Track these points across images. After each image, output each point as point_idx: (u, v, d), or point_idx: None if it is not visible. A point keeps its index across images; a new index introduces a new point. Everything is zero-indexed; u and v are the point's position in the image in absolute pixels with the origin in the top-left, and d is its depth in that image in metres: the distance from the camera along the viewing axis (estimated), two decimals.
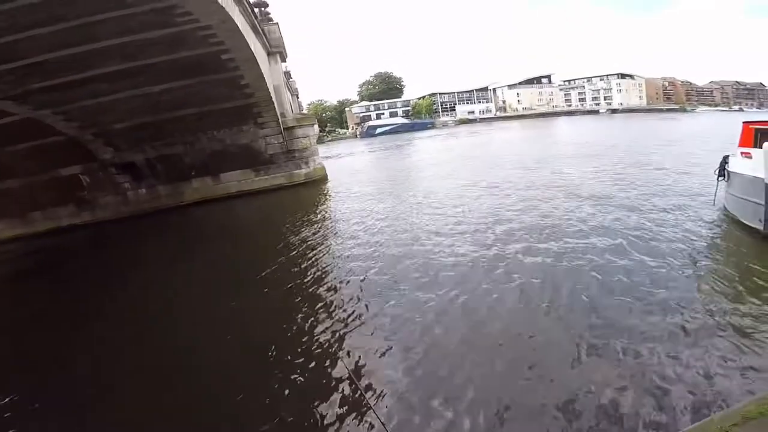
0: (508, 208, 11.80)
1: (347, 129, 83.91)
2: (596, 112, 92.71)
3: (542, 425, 3.77)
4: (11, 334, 7.81)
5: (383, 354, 5.19)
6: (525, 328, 5.42)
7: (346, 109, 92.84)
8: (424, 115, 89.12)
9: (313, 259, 9.42)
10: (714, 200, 9.81)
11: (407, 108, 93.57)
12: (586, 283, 6.51)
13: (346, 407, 4.29)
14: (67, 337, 7.11)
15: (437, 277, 7.39)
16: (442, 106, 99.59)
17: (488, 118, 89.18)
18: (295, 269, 8.93)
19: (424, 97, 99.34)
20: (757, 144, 7.97)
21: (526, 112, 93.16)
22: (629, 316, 5.42)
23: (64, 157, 17.65)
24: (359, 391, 4.33)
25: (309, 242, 10.91)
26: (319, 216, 14.25)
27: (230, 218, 17.20)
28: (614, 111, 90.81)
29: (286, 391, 4.70)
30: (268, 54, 19.85)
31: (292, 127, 20.97)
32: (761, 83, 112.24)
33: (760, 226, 7.56)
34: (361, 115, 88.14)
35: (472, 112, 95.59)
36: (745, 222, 8.25)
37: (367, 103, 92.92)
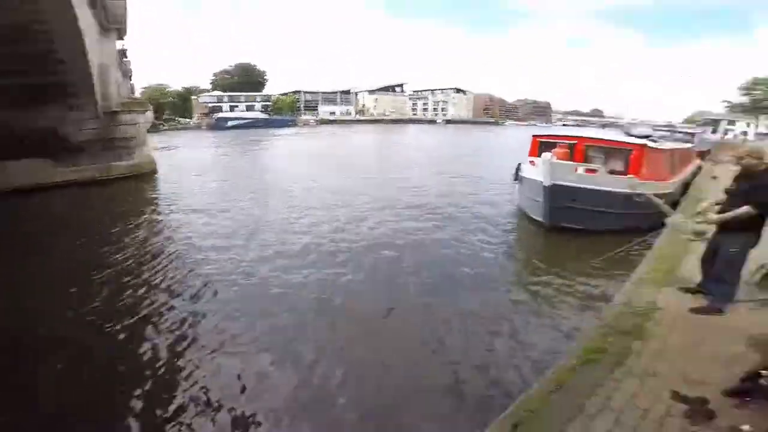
0: (358, 212, 11.95)
1: (191, 119, 75.17)
2: (434, 121, 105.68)
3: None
4: None
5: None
6: (382, 302, 6.27)
7: (193, 97, 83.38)
8: (286, 112, 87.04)
9: (125, 274, 7.46)
10: (513, 199, 12.04)
11: (268, 103, 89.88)
12: (418, 261, 7.91)
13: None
14: None
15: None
16: (305, 104, 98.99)
17: (348, 120, 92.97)
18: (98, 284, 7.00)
19: (287, 94, 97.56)
20: (540, 153, 9.74)
21: (380, 117, 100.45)
22: (450, 288, 6.76)
23: None
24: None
25: (119, 251, 8.68)
26: (137, 217, 11.92)
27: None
28: (449, 122, 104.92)
29: None
30: (103, 29, 17.32)
31: (117, 112, 18.16)
32: (548, 103, 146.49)
33: (543, 220, 9.46)
34: (211, 105, 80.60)
35: (334, 113, 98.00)
36: (533, 217, 10.11)
37: (220, 93, 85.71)
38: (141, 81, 73.25)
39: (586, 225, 8.92)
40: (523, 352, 4.89)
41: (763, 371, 2.76)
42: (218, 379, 4.47)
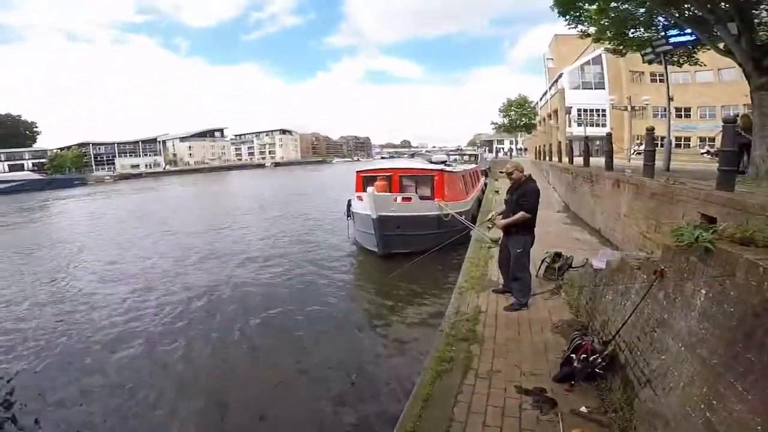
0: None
1: None
2: (263, 165, 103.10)
3: None
4: None
5: None
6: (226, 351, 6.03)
7: None
8: (70, 169, 71.09)
9: None
10: (348, 235, 12.39)
11: (41, 160, 71.60)
12: (258, 302, 7.97)
13: None
14: None
15: None
16: (96, 159, 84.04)
17: (157, 172, 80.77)
18: None
19: (70, 148, 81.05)
20: (365, 188, 10.29)
21: (198, 166, 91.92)
22: (296, 320, 6.96)
23: None
24: None
25: None
26: None
27: None
28: (277, 164, 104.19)
29: None
30: None
31: None
32: (368, 137, 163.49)
33: (375, 249, 10.01)
34: None
35: (137, 165, 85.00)
36: (368, 248, 10.67)
37: None
38: None
39: (413, 248, 9.43)
40: (389, 377, 5.08)
41: (572, 355, 3.36)
42: None
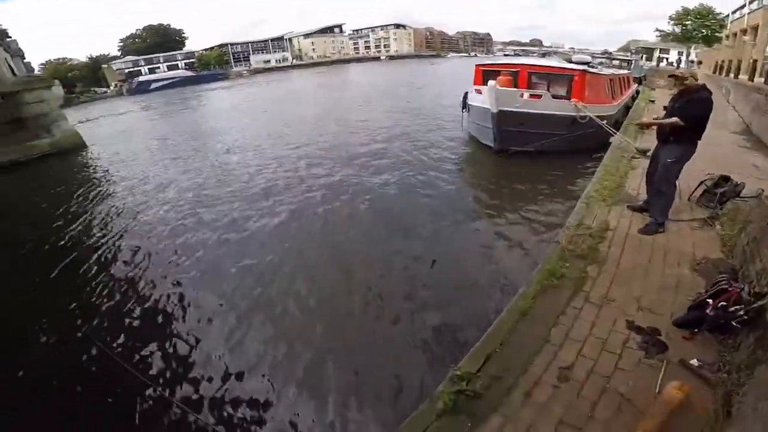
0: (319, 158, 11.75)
1: (108, 88, 68.53)
2: (378, 58, 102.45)
3: None
4: None
5: None
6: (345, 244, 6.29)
7: (104, 66, 75.27)
8: (214, 66, 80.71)
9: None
10: (461, 126, 12.21)
11: (191, 60, 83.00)
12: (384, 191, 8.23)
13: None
14: None
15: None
16: (234, 56, 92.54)
17: (285, 66, 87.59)
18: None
19: (212, 48, 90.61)
20: (485, 82, 9.93)
21: (320, 60, 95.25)
22: (411, 220, 6.75)
23: None
24: None
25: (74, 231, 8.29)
26: (71, 190, 11.33)
27: None
28: (392, 57, 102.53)
29: None
30: None
31: (15, 93, 16.72)
32: (488, 33, 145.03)
33: (492, 144, 9.89)
34: (128, 70, 73.50)
35: (268, 61, 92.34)
36: (483, 142, 10.63)
37: (134, 57, 77.76)
38: (37, 58, 64.02)
39: (534, 147, 9.19)
40: (490, 281, 4.80)
41: (709, 300, 2.90)
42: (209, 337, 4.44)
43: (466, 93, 11.10)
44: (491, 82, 9.26)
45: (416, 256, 5.49)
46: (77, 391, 3.87)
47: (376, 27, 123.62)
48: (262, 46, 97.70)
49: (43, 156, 16.91)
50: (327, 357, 3.84)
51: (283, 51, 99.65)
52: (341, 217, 7.21)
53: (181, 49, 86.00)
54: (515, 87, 9.93)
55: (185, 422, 3.38)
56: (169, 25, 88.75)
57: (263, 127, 18.37)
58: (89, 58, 77.10)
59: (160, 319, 4.90)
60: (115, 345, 4.44)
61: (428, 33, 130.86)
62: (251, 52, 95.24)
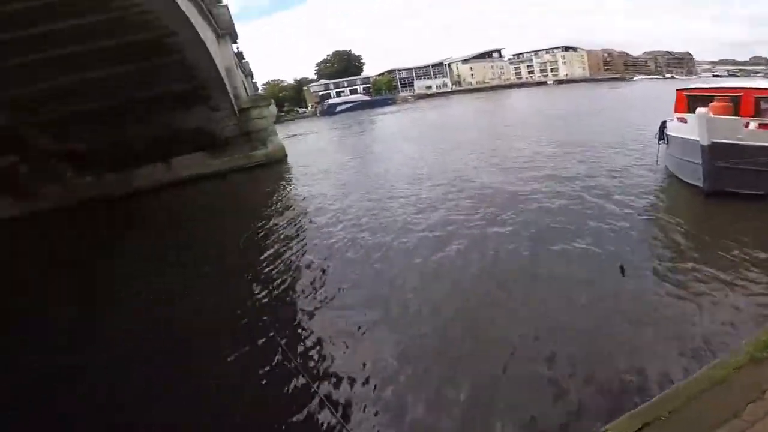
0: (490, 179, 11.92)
1: (306, 108, 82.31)
2: (544, 83, 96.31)
3: None
4: None
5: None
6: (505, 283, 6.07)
7: (304, 88, 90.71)
8: (384, 92, 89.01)
9: (281, 244, 9.10)
10: (656, 161, 10.58)
11: (367, 85, 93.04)
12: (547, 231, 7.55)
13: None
14: None
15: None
16: (401, 82, 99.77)
17: (445, 92, 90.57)
18: (262, 250, 8.80)
19: (383, 74, 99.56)
20: (691, 110, 8.97)
21: (479, 86, 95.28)
22: (589, 262, 6.17)
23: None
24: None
25: (272, 225, 10.57)
26: (281, 197, 14.28)
27: (182, 205, 16.46)
28: (560, 82, 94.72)
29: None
30: (218, 36, 19.47)
31: (247, 109, 20.91)
32: (689, 53, 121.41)
33: (700, 184, 8.38)
34: (321, 93, 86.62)
35: (430, 87, 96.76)
36: (685, 180, 9.14)
37: (326, 81, 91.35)
38: (259, 78, 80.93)
39: (760, 189, 7.63)
40: (672, 343, 4.17)
41: None
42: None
43: (664, 122, 10.02)
44: (701, 110, 8.06)
45: (583, 304, 5.12)
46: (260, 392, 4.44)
47: (539, 50, 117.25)
48: (423, 71, 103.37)
49: (257, 165, 20.79)
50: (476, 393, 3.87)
51: (443, 77, 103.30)
52: (506, 258, 6.82)
53: (359, 74, 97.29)
54: (736, 115, 8.42)
55: None
56: (351, 51, 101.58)
57: (428, 153, 18.97)
58: (295, 81, 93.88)
59: (334, 328, 5.38)
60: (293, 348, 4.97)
61: (606, 54, 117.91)
62: (414, 77, 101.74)
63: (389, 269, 6.98)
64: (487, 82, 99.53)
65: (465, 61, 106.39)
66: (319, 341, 5.18)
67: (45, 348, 5.80)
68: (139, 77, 15.60)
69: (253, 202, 13.84)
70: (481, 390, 3.88)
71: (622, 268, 5.20)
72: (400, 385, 4.12)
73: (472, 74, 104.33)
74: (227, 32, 20.56)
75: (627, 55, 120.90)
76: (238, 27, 21.96)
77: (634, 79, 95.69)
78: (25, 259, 11.84)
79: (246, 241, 9.54)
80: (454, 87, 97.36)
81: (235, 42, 23.94)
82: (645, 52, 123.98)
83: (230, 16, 20.86)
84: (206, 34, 16.15)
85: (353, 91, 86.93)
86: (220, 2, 20.50)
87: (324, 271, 7.30)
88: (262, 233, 10.20)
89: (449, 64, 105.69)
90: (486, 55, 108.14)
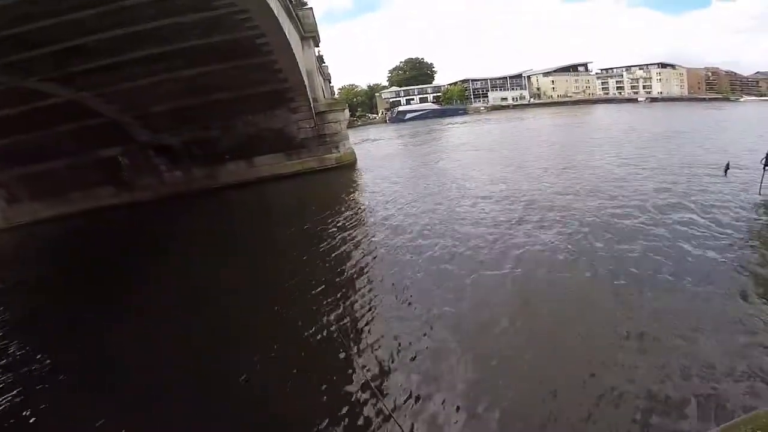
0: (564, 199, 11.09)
1: (377, 114, 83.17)
2: (634, 100, 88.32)
3: None
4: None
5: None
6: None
7: (376, 94, 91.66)
8: (456, 101, 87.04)
9: (350, 243, 9.41)
10: (759, 190, 9.50)
11: (438, 94, 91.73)
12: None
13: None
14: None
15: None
16: (474, 92, 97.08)
17: (522, 104, 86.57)
18: (329, 248, 9.14)
19: (455, 83, 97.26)
20: None
21: (560, 99, 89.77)
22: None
23: (105, 138, 17.94)
24: None
25: (342, 225, 10.88)
26: (350, 199, 14.28)
27: (265, 201, 17.51)
28: (653, 99, 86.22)
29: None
30: (302, 39, 19.62)
31: (324, 112, 20.89)
32: None
33: None
34: (391, 100, 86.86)
35: (505, 98, 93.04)
36: None
37: (397, 88, 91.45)
38: (336, 83, 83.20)
39: None
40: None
41: None
42: None
43: None
44: None
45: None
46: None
47: (632, 66, 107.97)
48: (500, 83, 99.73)
49: (328, 168, 20.72)
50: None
51: (521, 89, 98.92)
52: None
53: (430, 83, 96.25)
54: None
55: None
56: (423, 59, 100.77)
57: (503, 167, 17.51)
58: (368, 86, 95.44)
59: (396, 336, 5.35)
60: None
61: (710, 73, 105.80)
62: (489, 88, 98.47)
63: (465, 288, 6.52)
64: (570, 96, 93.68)
65: (547, 73, 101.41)
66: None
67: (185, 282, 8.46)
68: (230, 77, 15.99)
69: (327, 204, 13.73)
70: None
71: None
72: None
73: (553, 87, 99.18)
74: (311, 35, 20.75)
75: (734, 74, 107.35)
76: (320, 30, 22.02)
77: (741, 99, 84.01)
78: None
79: (320, 239, 9.97)
80: (532, 100, 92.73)
81: (318, 45, 24.09)
82: (757, 72, 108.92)
83: (314, 18, 21.03)
84: (292, 37, 16.20)
85: (423, 100, 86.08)
86: (305, 5, 20.68)
87: (395, 286, 6.99)
88: (335, 234, 10.36)
89: (529, 76, 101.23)
90: (570, 69, 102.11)
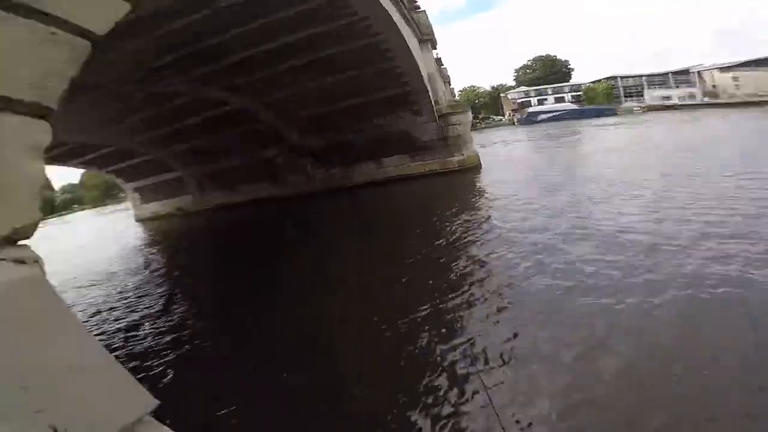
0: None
1: (503, 116, 79.05)
2: None
3: None
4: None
5: None
6: None
7: (501, 95, 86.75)
8: (600, 101, 77.02)
9: (475, 248, 8.93)
10: None
11: (577, 93, 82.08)
12: None
13: None
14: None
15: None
16: (624, 90, 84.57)
17: (691, 104, 71.44)
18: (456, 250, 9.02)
19: (599, 81, 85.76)
20: None
21: (748, 99, 71.16)
22: None
23: (264, 141, 22.07)
24: None
25: (468, 230, 10.53)
26: (476, 205, 13.89)
27: (394, 200, 18.54)
28: None
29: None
30: (420, 42, 20.00)
31: (446, 114, 20.94)
32: None
33: None
34: (520, 100, 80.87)
35: (668, 97, 78.42)
36: None
37: (527, 88, 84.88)
38: (455, 84, 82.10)
39: None
40: None
41: None
42: None
43: None
44: None
45: None
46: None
47: None
48: (660, 80, 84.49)
49: (451, 171, 20.67)
50: None
51: (690, 86, 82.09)
52: None
53: (567, 81, 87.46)
54: None
55: None
56: (556, 57, 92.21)
57: (670, 186, 12.05)
58: (492, 87, 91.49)
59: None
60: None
61: None
62: (645, 86, 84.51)
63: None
64: (761, 95, 73.79)
65: (726, 68, 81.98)
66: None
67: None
68: (359, 83, 17.43)
69: (452, 206, 13.65)
70: None
71: None
72: None
73: (736, 85, 79.47)
74: (428, 38, 21.15)
75: None
76: (435, 31, 22.16)
77: None
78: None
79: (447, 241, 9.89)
80: (705, 99, 76.11)
81: (435, 48, 24.33)
82: None
83: (428, 21, 21.31)
84: (411, 41, 16.84)
85: (559, 99, 78.09)
86: (419, 8, 21.04)
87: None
88: (462, 238, 10.05)
89: (700, 72, 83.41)
90: (762, 62, 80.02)
